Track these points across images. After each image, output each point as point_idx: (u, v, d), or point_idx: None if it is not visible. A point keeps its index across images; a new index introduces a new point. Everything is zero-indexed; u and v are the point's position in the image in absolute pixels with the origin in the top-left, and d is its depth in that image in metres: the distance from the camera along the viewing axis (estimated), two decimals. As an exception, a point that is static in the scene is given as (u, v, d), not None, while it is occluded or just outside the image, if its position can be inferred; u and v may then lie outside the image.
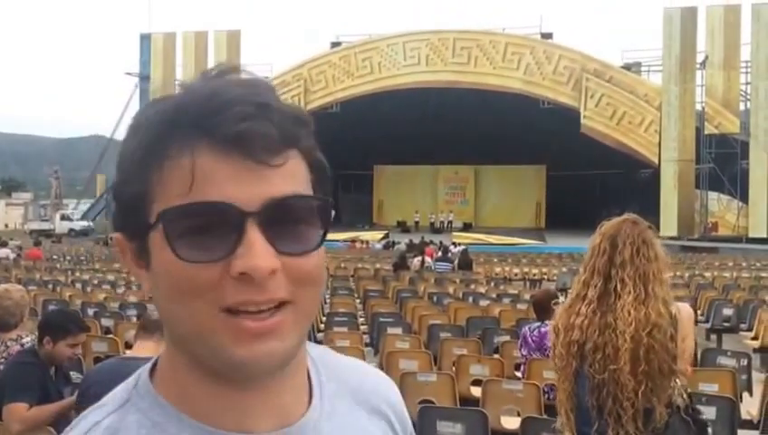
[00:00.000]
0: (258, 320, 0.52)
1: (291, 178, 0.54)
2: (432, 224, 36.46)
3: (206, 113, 0.52)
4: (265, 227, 0.52)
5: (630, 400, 1.96)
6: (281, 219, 0.53)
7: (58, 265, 15.68)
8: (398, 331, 6.39)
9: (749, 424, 4.07)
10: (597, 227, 2.19)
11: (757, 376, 5.08)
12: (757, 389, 4.59)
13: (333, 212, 0.59)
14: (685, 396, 2.07)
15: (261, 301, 0.52)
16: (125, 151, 0.55)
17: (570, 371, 2.09)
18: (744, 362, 5.03)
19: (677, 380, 2.04)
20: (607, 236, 2.10)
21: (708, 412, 3.49)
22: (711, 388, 4.15)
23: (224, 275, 0.51)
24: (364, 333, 6.94)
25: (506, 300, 9.05)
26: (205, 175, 0.51)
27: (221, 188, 0.51)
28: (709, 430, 3.21)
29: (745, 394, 4.76)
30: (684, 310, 2.14)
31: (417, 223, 36.59)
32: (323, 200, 0.56)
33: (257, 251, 0.51)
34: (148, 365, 0.61)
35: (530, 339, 4.68)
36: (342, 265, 16.63)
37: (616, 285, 2.04)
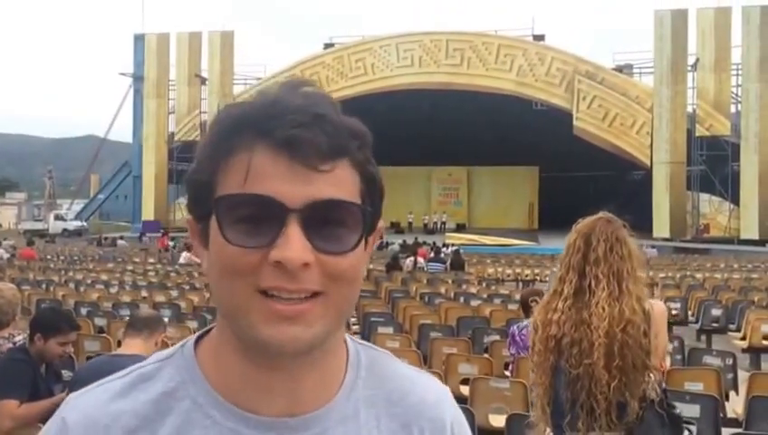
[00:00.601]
0: (288, 304, 0.57)
1: (337, 184, 0.59)
2: (425, 225, 36.49)
3: (267, 118, 0.59)
4: (305, 224, 0.57)
5: (604, 394, 2.00)
6: (321, 219, 0.58)
7: (51, 265, 15.64)
8: (389, 330, 6.43)
9: (734, 422, 4.10)
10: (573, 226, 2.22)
11: (744, 375, 5.13)
12: (743, 388, 4.63)
13: (382, 224, 0.65)
14: (659, 390, 2.10)
15: (292, 289, 0.57)
16: (201, 145, 0.63)
17: (547, 365, 2.12)
18: (730, 361, 5.09)
19: (651, 375, 2.06)
20: (581, 234, 2.14)
21: (692, 410, 3.55)
22: (696, 387, 4.21)
23: (263, 261, 0.57)
24: (355, 332, 6.97)
25: (497, 300, 9.07)
26: (257, 171, 0.58)
27: (270, 184, 0.57)
28: (693, 427, 3.26)
29: (732, 393, 4.82)
30: (657, 306, 2.16)
31: (410, 224, 36.61)
32: (362, 208, 0.60)
33: (293, 244, 0.56)
34: (202, 331, 0.68)
35: (518, 338, 4.69)
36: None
37: (590, 282, 2.07)
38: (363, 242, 0.61)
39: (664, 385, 2.30)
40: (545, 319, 2.14)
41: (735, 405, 4.46)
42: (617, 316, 2.01)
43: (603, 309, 2.02)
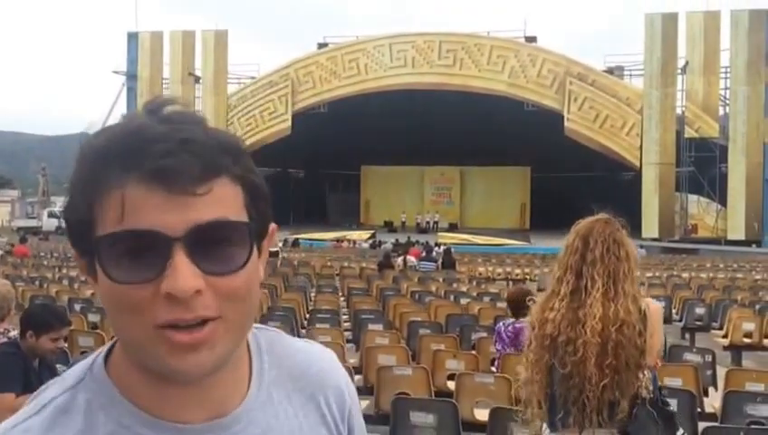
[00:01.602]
0: (189, 333, 0.57)
1: (216, 203, 0.58)
2: (418, 224, 36.60)
3: (133, 151, 0.57)
4: (191, 251, 0.56)
5: (593, 392, 2.03)
6: (206, 242, 0.57)
7: (45, 262, 15.64)
8: (379, 327, 6.53)
9: (713, 417, 4.22)
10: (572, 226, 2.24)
11: (723, 372, 5.26)
12: (722, 384, 4.76)
13: (274, 226, 0.66)
14: (651, 389, 2.13)
15: (189, 318, 0.57)
16: (72, 180, 0.60)
17: (542, 363, 2.15)
18: (709, 358, 5.22)
19: (644, 373, 2.10)
20: (580, 235, 2.16)
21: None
22: (675, 382, 4.34)
23: (156, 294, 0.56)
24: (346, 329, 7.07)
25: (486, 298, 9.19)
26: (134, 205, 0.56)
27: (148, 216, 0.56)
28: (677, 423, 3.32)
29: (711, 389, 4.96)
30: (652, 306, 2.18)
31: (403, 223, 36.67)
32: (247, 224, 0.60)
33: (181, 273, 0.55)
34: (105, 348, 0.66)
35: (504, 335, 4.76)
36: (329, 263, 16.74)
37: (587, 283, 2.10)
38: (255, 254, 0.61)
39: (659, 383, 2.33)
40: (542, 318, 2.17)
41: (713, 400, 4.58)
42: (611, 317, 2.05)
43: (598, 309, 2.06)
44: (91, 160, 0.59)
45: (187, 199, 0.57)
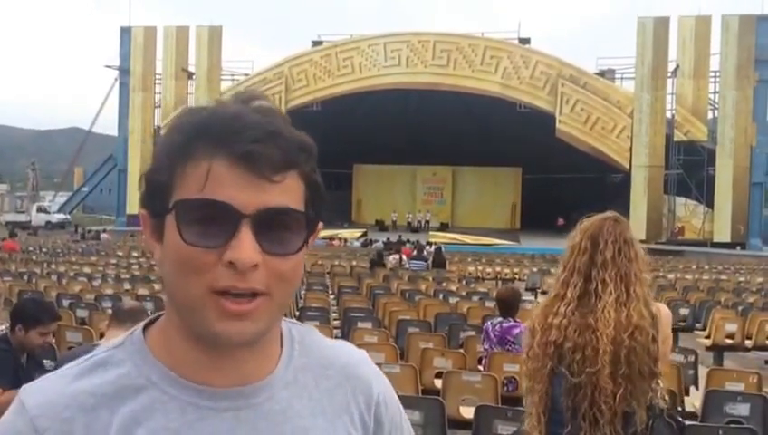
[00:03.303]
0: (237, 303, 0.63)
1: (286, 193, 0.65)
2: (409, 223, 36.68)
3: (228, 131, 0.64)
4: (256, 229, 0.63)
5: (608, 403, 1.89)
6: (270, 225, 0.64)
7: (34, 258, 15.57)
8: (369, 325, 6.55)
9: (693, 416, 4.28)
10: (577, 224, 2.06)
11: (705, 372, 5.34)
12: (703, 383, 4.83)
13: (321, 224, 0.71)
14: (667, 398, 2.00)
15: (242, 288, 0.63)
16: (161, 146, 0.68)
17: (545, 372, 1.98)
18: (691, 358, 5.30)
19: (659, 382, 1.95)
20: (588, 235, 1.99)
21: (652, 404, 3.73)
22: (657, 381, 4.40)
23: (217, 261, 0.62)
24: (335, 327, 7.09)
25: (475, 298, 9.21)
26: (216, 179, 0.63)
27: (227, 191, 0.63)
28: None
29: (692, 388, 5.04)
30: (663, 311, 2.04)
31: (394, 222, 36.73)
32: (307, 215, 0.67)
33: (245, 246, 0.62)
34: (148, 319, 0.74)
35: (491, 334, 4.79)
36: (319, 262, 16.72)
37: (597, 286, 1.95)
38: (305, 245, 0.68)
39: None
40: (545, 323, 1.99)
41: (694, 399, 4.65)
42: (624, 322, 1.91)
43: (610, 314, 1.91)
44: (187, 132, 0.66)
45: (262, 184, 0.64)
